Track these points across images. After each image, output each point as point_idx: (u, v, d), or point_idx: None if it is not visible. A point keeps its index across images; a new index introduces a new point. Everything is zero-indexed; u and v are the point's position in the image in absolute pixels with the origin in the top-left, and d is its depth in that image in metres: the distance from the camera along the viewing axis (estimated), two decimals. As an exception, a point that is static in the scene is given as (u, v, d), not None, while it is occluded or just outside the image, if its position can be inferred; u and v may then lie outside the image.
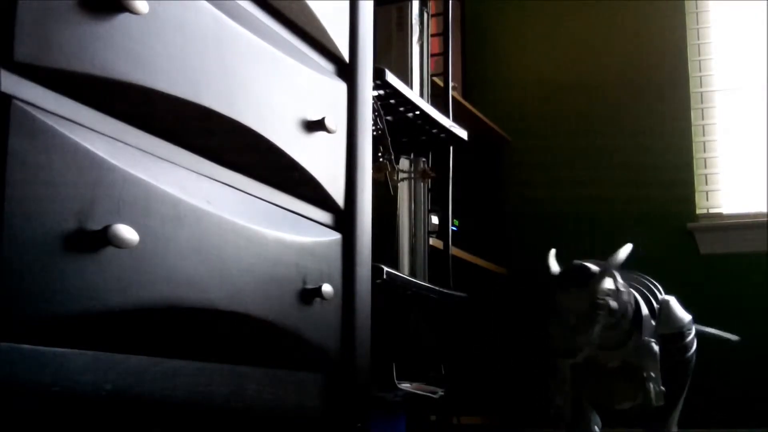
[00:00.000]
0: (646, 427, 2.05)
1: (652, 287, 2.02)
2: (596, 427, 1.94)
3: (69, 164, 0.82)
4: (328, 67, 1.36)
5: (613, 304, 1.81)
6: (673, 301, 2.03)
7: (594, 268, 1.84)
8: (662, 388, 1.90)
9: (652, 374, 1.88)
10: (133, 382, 0.89)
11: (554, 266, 1.91)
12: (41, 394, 0.79)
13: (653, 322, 1.93)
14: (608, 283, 1.83)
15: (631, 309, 1.87)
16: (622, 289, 1.86)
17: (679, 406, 2.05)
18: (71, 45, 0.83)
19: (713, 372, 2.96)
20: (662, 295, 2.02)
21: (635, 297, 1.91)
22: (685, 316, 2.04)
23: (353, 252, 1.35)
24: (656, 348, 1.90)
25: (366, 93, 1.44)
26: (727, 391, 2.94)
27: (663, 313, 1.97)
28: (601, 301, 1.79)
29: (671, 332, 1.97)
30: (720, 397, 2.94)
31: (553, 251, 1.96)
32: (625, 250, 1.88)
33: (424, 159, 2.19)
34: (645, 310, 1.93)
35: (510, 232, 3.31)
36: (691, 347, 2.04)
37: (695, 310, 3.05)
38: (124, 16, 0.89)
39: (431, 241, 2.26)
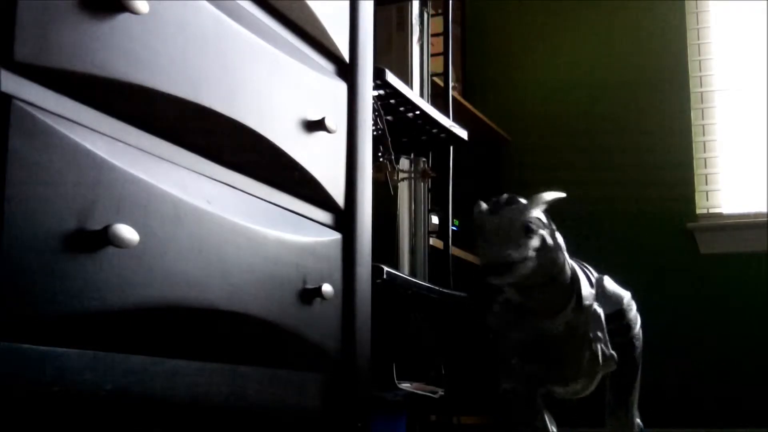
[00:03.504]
0: (608, 415, 1.98)
1: (585, 267, 1.93)
2: (553, 427, 1.85)
3: (69, 164, 0.82)
4: (329, 67, 1.36)
5: (548, 238, 1.72)
6: (608, 280, 1.95)
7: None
8: (612, 351, 1.82)
9: (599, 334, 1.79)
10: (133, 382, 0.89)
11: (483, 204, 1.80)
12: (41, 394, 0.79)
13: (592, 291, 1.85)
14: (540, 215, 1.71)
15: (568, 269, 1.78)
16: (558, 238, 1.77)
17: (636, 391, 1.95)
18: (71, 45, 0.83)
19: (713, 372, 2.96)
20: (595, 275, 1.91)
21: (571, 263, 1.82)
22: (623, 293, 1.95)
23: (353, 252, 1.35)
24: (599, 310, 1.81)
25: (366, 93, 1.44)
26: (726, 391, 2.94)
27: (599, 291, 1.86)
28: (534, 222, 1.70)
29: (611, 311, 1.87)
30: (719, 396, 2.94)
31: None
32: (552, 194, 1.78)
33: (424, 159, 2.19)
34: (583, 276, 1.84)
35: (510, 232, 3.31)
36: (634, 325, 1.94)
37: (695, 310, 3.06)
38: (124, 16, 0.89)
39: (431, 241, 2.25)
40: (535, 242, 1.65)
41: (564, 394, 1.84)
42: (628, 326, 1.92)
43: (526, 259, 1.63)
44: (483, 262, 1.65)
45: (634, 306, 1.96)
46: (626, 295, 1.94)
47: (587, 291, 1.79)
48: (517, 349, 1.80)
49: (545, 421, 1.79)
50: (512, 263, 1.63)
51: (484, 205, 1.69)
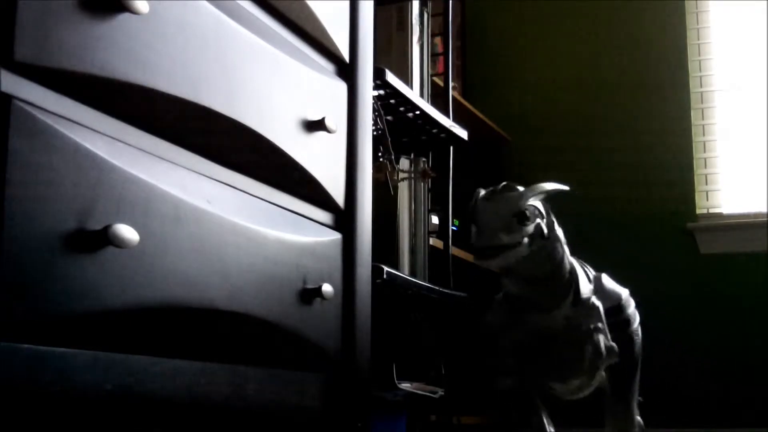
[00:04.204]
0: (608, 412, 1.96)
1: (584, 265, 1.92)
2: (550, 428, 1.82)
3: (69, 164, 0.82)
4: (329, 67, 1.36)
5: (544, 228, 1.69)
6: (606, 277, 1.93)
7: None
8: (613, 343, 1.80)
9: (599, 325, 1.77)
10: (133, 382, 0.89)
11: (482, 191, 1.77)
12: (41, 394, 0.79)
13: (591, 286, 1.80)
14: (538, 204, 1.69)
15: (567, 263, 1.76)
16: (557, 230, 1.75)
17: (636, 388, 1.93)
18: (71, 45, 0.83)
19: (713, 372, 2.96)
20: (593, 273, 1.90)
21: (570, 259, 1.81)
22: (621, 290, 1.93)
23: (353, 252, 1.35)
24: (598, 302, 1.77)
25: (366, 93, 1.44)
26: (726, 391, 2.94)
27: (597, 287, 1.84)
28: (529, 209, 1.64)
29: (609, 305, 1.85)
30: (719, 396, 2.94)
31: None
32: (552, 185, 1.77)
33: (424, 159, 2.19)
34: (581, 271, 1.80)
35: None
36: (633, 321, 1.92)
37: (695, 310, 3.06)
38: (124, 16, 0.89)
39: (431, 241, 2.25)
40: (528, 229, 1.64)
41: (564, 392, 1.83)
42: (627, 321, 1.92)
43: (518, 244, 1.62)
44: (475, 246, 1.65)
45: (632, 303, 1.96)
46: (624, 292, 1.94)
47: (585, 285, 1.78)
48: (514, 347, 1.79)
49: (543, 420, 1.78)
50: (503, 247, 1.63)
51: (482, 192, 1.69)
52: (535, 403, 1.78)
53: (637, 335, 1.94)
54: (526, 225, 1.64)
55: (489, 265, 1.65)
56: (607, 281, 1.91)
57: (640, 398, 1.98)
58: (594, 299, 1.78)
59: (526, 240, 1.64)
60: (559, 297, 1.73)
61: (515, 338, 1.79)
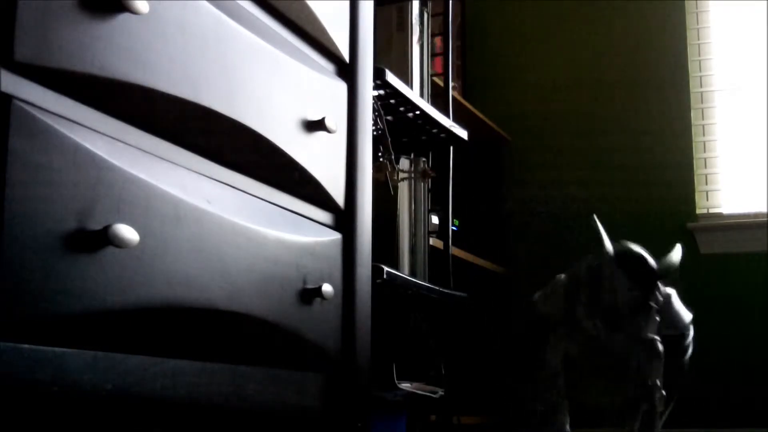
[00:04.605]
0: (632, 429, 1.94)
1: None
2: (568, 427, 1.80)
3: (69, 164, 0.82)
4: (329, 67, 1.36)
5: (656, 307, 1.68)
6: (675, 296, 1.86)
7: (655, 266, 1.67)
8: (664, 392, 1.78)
9: (657, 382, 1.75)
10: (133, 382, 0.89)
11: (608, 244, 1.72)
12: (41, 394, 0.79)
13: (658, 318, 1.77)
14: (659, 294, 1.69)
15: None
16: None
17: (665, 416, 1.91)
18: (71, 45, 0.83)
19: (713, 371, 2.96)
20: (663, 287, 1.83)
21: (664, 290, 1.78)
22: (686, 315, 1.88)
23: (353, 252, 1.35)
24: (661, 348, 1.74)
25: (366, 93, 1.44)
26: (726, 391, 2.94)
27: (666, 310, 1.79)
28: (654, 335, 1.64)
29: (673, 333, 1.81)
30: (719, 396, 2.94)
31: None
32: (678, 253, 1.73)
33: (424, 159, 2.19)
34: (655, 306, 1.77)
35: (510, 232, 3.31)
36: (687, 352, 1.89)
37: (695, 310, 3.06)
38: (124, 16, 0.89)
39: (431, 241, 2.25)
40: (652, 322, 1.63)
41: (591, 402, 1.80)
42: (684, 350, 1.86)
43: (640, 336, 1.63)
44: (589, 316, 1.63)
45: (691, 332, 1.89)
46: (689, 317, 1.88)
47: (653, 323, 1.75)
48: (565, 363, 1.74)
49: (565, 424, 1.75)
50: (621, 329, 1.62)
51: (610, 252, 1.65)
52: (564, 414, 1.75)
53: (685, 367, 1.87)
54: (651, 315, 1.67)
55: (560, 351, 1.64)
56: (677, 302, 1.85)
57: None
58: (658, 343, 1.74)
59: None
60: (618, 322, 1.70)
61: (570, 353, 1.73)
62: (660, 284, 1.66)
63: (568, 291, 1.78)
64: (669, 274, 1.68)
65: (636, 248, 1.67)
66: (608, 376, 1.74)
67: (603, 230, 1.66)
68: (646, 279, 1.66)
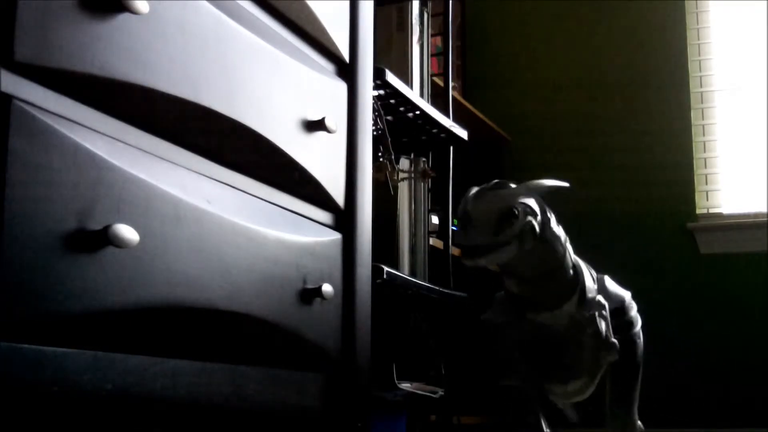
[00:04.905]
0: (609, 415, 1.92)
1: (588, 267, 1.89)
2: (547, 429, 1.80)
3: (69, 164, 0.82)
4: (329, 67, 1.36)
5: (536, 226, 1.59)
6: (608, 279, 1.90)
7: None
8: (614, 340, 1.77)
9: (603, 323, 1.71)
10: (133, 382, 0.89)
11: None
12: (41, 394, 0.79)
13: (595, 285, 1.77)
14: (531, 203, 1.62)
15: (570, 261, 1.72)
16: (556, 229, 1.71)
17: (637, 392, 1.91)
18: (71, 45, 0.83)
19: (713, 372, 2.96)
20: (595, 275, 1.86)
21: (575, 258, 1.77)
22: (623, 292, 1.90)
23: (353, 252, 1.35)
24: (604, 301, 1.73)
25: (366, 93, 1.44)
26: (726, 391, 2.94)
27: (600, 288, 1.81)
28: (519, 207, 1.56)
29: (612, 307, 1.81)
30: (719, 396, 2.94)
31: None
32: (553, 181, 1.71)
33: (424, 159, 2.19)
34: (586, 270, 1.76)
35: (510, 232, 3.31)
36: (635, 324, 1.90)
37: (695, 310, 3.06)
38: (124, 16, 0.89)
39: (431, 241, 2.25)
40: (515, 228, 1.59)
41: (563, 395, 1.82)
42: (629, 324, 1.90)
43: (506, 243, 1.58)
44: (461, 244, 1.61)
45: (634, 306, 1.95)
46: (627, 295, 1.93)
47: (590, 284, 1.77)
48: (517, 345, 1.77)
49: (540, 420, 1.76)
50: (490, 246, 1.58)
51: (473, 191, 1.64)
52: (534, 403, 1.77)
53: (639, 338, 1.93)
54: (513, 223, 1.59)
55: (476, 264, 1.61)
56: (610, 283, 1.89)
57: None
58: (600, 297, 1.76)
59: (513, 240, 1.59)
60: (562, 296, 1.71)
61: (518, 337, 1.77)
62: (533, 204, 1.63)
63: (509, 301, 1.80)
64: (535, 198, 1.64)
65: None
66: (564, 349, 1.74)
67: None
68: (502, 187, 1.63)
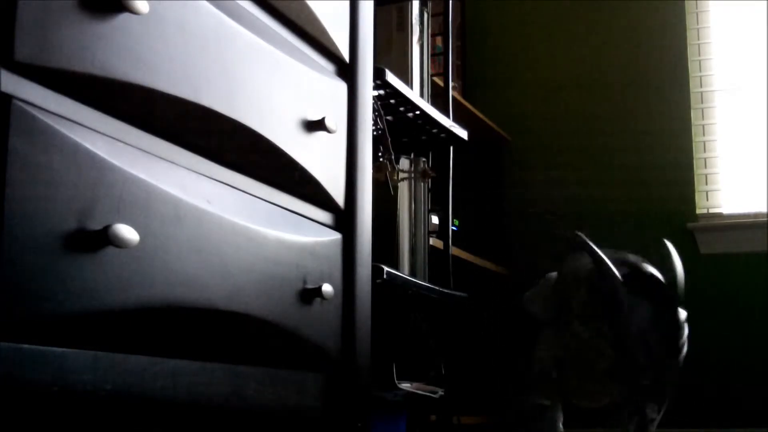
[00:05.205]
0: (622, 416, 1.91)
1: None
2: (561, 425, 1.76)
3: (69, 164, 0.82)
4: (329, 67, 1.36)
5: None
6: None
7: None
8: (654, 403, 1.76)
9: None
10: (133, 382, 0.89)
11: (611, 265, 1.64)
12: (41, 394, 0.79)
13: (685, 347, 1.76)
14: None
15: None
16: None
17: (662, 411, 1.89)
18: (71, 45, 0.83)
19: (713, 372, 2.96)
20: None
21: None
22: (681, 313, 1.90)
23: (353, 252, 1.35)
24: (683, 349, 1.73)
25: (366, 93, 1.44)
26: (726, 391, 2.94)
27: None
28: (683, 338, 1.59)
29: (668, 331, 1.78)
30: (720, 396, 2.94)
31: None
32: (678, 262, 1.69)
33: (424, 159, 2.19)
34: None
35: (510, 232, 3.31)
36: (683, 348, 1.86)
37: (695, 310, 3.06)
38: (124, 16, 0.89)
39: (431, 241, 2.25)
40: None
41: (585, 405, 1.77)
42: (679, 350, 1.81)
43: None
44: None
45: (686, 330, 1.87)
46: (683, 315, 1.84)
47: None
48: (554, 363, 1.70)
49: (556, 424, 1.72)
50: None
51: (618, 277, 1.56)
52: (557, 423, 1.71)
53: (680, 366, 1.84)
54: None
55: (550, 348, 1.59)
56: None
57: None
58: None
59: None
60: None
61: (555, 353, 1.71)
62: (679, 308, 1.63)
63: (557, 291, 1.75)
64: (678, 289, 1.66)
65: (646, 267, 1.62)
66: (597, 378, 1.70)
67: (595, 247, 1.61)
68: (668, 304, 1.62)
